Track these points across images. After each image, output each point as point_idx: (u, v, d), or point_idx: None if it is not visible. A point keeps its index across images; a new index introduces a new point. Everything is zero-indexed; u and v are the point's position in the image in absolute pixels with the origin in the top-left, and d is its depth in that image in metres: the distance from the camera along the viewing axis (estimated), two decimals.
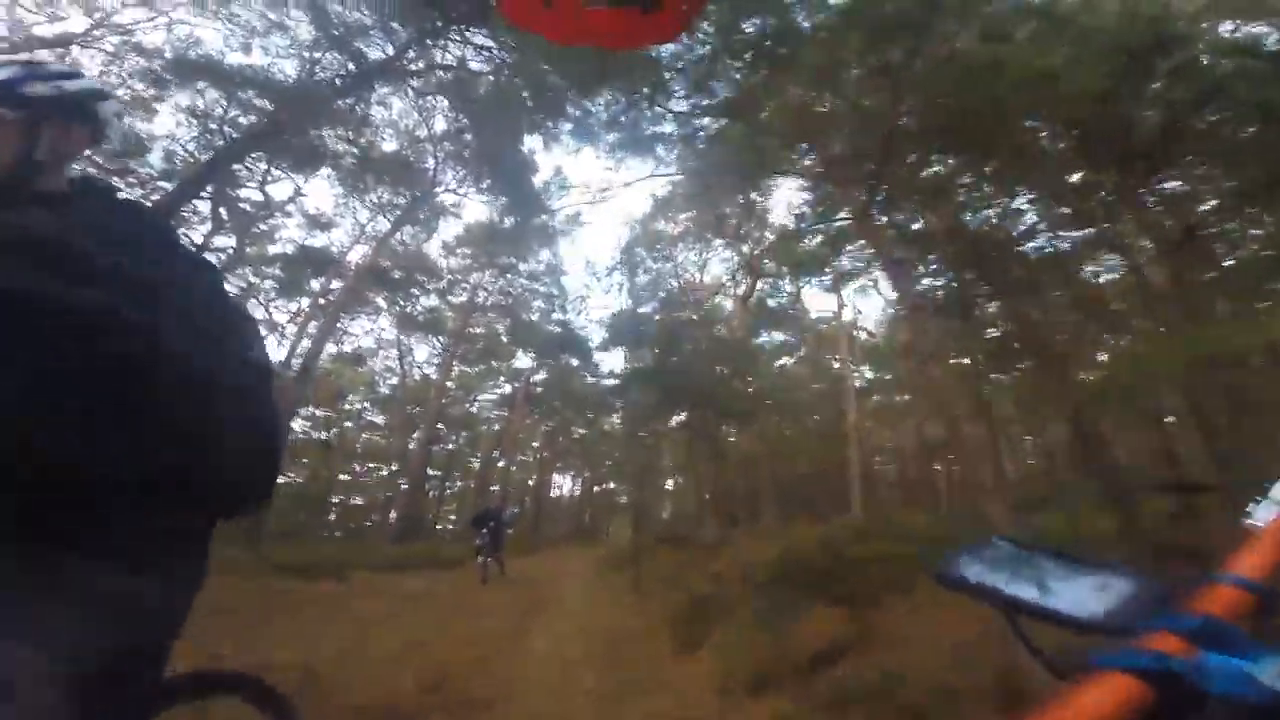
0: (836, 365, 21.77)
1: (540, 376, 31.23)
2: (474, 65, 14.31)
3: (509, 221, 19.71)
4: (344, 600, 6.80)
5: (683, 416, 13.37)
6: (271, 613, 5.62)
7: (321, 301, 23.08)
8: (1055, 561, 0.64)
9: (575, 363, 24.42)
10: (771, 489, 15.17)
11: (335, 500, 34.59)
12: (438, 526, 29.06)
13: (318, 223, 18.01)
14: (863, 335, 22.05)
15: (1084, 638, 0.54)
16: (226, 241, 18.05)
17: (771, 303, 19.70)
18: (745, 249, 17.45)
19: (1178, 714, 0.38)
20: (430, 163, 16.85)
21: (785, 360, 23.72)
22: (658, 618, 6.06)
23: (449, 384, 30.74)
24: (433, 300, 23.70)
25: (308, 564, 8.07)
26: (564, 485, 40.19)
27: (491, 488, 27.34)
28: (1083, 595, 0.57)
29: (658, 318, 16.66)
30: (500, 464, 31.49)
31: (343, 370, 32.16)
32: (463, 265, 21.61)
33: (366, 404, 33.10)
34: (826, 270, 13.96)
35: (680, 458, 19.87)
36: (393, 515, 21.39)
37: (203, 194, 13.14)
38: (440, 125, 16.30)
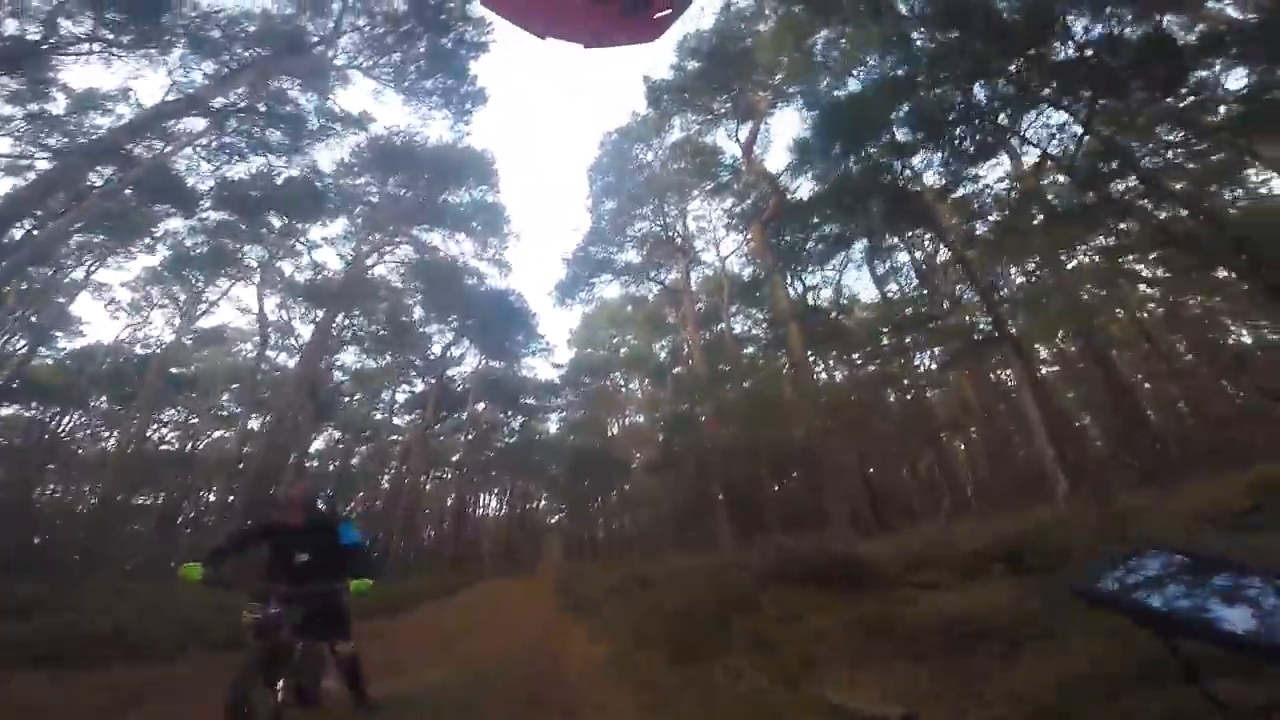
0: None
1: (463, 368, 25.55)
2: None
3: (438, 134, 14.88)
4: None
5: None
6: None
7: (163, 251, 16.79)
8: (1226, 572, 0.51)
9: (516, 337, 19.34)
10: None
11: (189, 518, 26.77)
12: None
13: (150, 120, 12.10)
14: None
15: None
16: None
17: None
18: None
19: None
20: (331, 20, 11.70)
21: None
22: None
23: (342, 377, 24.51)
24: (322, 252, 17.89)
25: None
26: (488, 503, 34.23)
27: (306, 470, 21.22)
28: (1254, 611, 0.46)
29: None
30: (406, 480, 25.30)
31: (208, 352, 25.08)
32: (362, 194, 16.13)
33: (228, 398, 25.85)
34: None
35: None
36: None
37: None
38: None
